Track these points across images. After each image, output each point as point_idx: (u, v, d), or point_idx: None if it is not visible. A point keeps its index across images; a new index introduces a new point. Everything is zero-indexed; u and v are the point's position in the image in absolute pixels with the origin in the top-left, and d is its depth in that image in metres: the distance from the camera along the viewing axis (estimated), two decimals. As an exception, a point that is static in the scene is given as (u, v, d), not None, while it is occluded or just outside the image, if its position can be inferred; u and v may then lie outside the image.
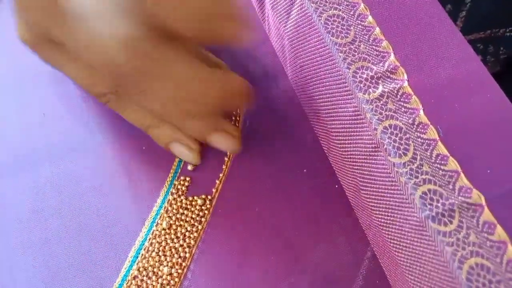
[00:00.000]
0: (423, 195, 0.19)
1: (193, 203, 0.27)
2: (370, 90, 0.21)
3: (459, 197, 0.19)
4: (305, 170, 0.28)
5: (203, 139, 0.27)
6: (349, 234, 0.26)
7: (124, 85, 0.24)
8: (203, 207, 0.27)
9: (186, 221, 0.27)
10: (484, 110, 0.22)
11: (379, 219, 0.22)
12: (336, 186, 0.27)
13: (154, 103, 0.25)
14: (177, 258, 0.26)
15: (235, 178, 0.28)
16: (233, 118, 0.29)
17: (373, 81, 0.21)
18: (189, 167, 0.28)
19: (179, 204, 0.27)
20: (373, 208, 0.22)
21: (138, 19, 0.22)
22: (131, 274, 0.25)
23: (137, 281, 0.25)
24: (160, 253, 0.26)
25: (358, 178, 0.23)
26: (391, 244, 0.22)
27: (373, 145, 0.21)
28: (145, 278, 0.25)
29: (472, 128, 0.21)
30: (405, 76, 0.22)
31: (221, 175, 0.28)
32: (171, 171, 0.28)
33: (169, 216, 0.27)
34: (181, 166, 0.28)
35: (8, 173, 0.28)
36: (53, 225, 0.27)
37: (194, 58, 0.23)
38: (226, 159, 0.28)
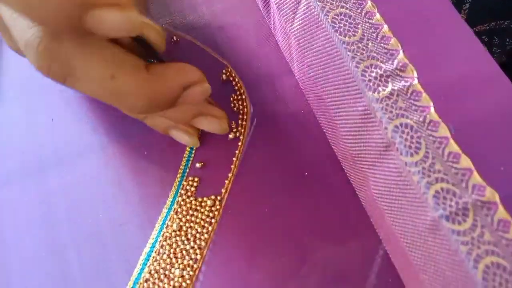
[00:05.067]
0: (436, 194, 0.19)
1: (203, 204, 0.27)
2: (380, 88, 0.21)
3: (473, 195, 0.19)
4: (314, 168, 0.28)
5: (187, 124, 0.27)
6: (360, 232, 0.26)
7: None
8: (213, 208, 0.27)
9: (197, 223, 0.27)
10: (496, 106, 0.22)
11: (392, 219, 0.22)
12: (346, 184, 0.27)
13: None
14: (189, 260, 0.26)
15: (244, 177, 0.28)
16: (240, 116, 0.29)
17: (383, 79, 0.21)
18: (198, 165, 0.28)
19: (188, 205, 0.27)
20: (385, 207, 0.22)
21: (48, 21, 0.20)
22: (143, 277, 0.25)
23: (149, 284, 0.25)
24: (171, 255, 0.26)
25: (369, 177, 0.23)
26: (404, 243, 0.21)
27: (384, 144, 0.21)
28: (157, 281, 0.25)
29: (484, 125, 0.21)
30: (415, 74, 0.21)
31: (229, 174, 0.28)
32: (179, 171, 0.28)
33: (179, 218, 0.27)
34: (189, 166, 0.28)
35: (16, 179, 0.28)
36: (62, 231, 0.27)
37: (118, 53, 0.22)
38: (234, 158, 0.28)
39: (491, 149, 0.20)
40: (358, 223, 0.26)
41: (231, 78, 0.30)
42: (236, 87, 0.30)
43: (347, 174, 0.27)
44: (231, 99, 0.30)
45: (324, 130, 0.28)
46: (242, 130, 0.29)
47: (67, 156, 0.29)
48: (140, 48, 0.24)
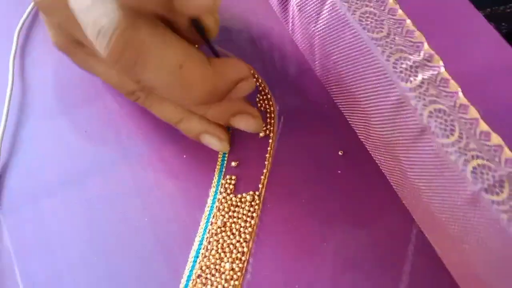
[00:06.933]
0: (474, 170, 0.21)
1: (243, 199, 0.29)
2: (411, 78, 0.23)
3: (506, 168, 0.21)
4: (343, 158, 0.29)
5: (225, 123, 0.29)
6: (394, 214, 0.28)
7: (126, 75, 0.24)
8: (252, 203, 0.29)
9: (239, 218, 0.28)
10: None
11: (429, 197, 0.24)
12: (377, 171, 0.29)
13: (162, 93, 0.25)
14: (237, 253, 0.27)
15: (278, 172, 0.30)
16: (267, 115, 0.31)
17: (413, 70, 0.23)
18: (233, 164, 0.30)
19: (229, 202, 0.29)
20: (423, 187, 0.24)
21: (121, 6, 0.21)
22: (195, 273, 0.27)
23: (201, 280, 0.27)
24: (220, 250, 0.27)
25: (403, 161, 0.25)
26: (443, 218, 0.23)
27: (419, 130, 0.23)
28: (209, 275, 0.27)
29: (506, 110, 0.23)
30: (441, 63, 0.23)
31: (264, 170, 0.30)
32: (216, 171, 0.30)
33: (222, 215, 0.28)
34: (225, 165, 0.30)
35: (57, 189, 0.30)
36: (110, 237, 0.28)
37: (186, 45, 0.23)
38: (267, 155, 0.30)
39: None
40: (392, 207, 0.28)
41: (254, 79, 0.32)
42: (260, 88, 0.32)
43: (377, 163, 0.29)
44: (257, 99, 0.32)
45: (350, 122, 0.30)
46: (271, 128, 0.31)
47: (105, 164, 0.30)
48: (194, 34, 0.25)
